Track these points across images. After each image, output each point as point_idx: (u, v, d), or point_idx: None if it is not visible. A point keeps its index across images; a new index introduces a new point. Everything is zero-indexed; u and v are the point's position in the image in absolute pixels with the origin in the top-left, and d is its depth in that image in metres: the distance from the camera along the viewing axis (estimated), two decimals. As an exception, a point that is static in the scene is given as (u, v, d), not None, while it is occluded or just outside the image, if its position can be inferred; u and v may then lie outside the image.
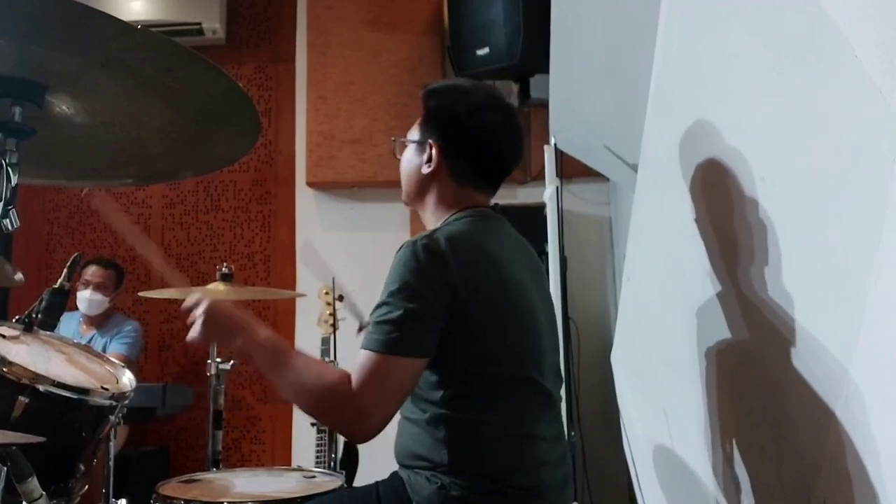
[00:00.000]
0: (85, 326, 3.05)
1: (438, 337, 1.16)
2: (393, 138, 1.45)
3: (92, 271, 3.01)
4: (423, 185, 1.37)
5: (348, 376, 1.13)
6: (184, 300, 1.28)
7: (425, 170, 1.34)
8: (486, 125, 1.35)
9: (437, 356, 1.17)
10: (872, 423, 0.77)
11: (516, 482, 1.18)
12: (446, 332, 1.16)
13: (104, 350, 2.91)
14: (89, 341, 2.94)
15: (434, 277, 1.15)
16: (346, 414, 1.13)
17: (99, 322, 3.06)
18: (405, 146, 1.40)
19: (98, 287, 2.98)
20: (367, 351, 1.13)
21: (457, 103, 1.36)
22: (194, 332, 1.24)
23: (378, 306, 1.16)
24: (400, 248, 1.19)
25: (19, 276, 1.25)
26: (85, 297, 2.96)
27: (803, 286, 0.92)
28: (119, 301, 3.56)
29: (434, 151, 1.33)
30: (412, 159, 1.38)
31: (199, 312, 1.24)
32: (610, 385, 2.10)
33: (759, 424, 1.11)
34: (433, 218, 1.35)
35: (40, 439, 0.98)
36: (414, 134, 1.39)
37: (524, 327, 1.24)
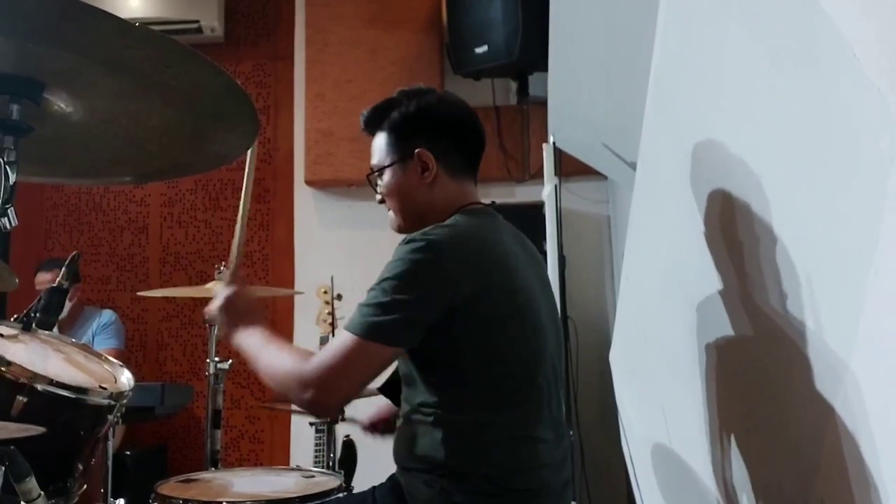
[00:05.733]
0: (63, 329, 3.07)
1: (421, 332, 1.14)
2: (367, 175, 1.38)
3: (40, 280, 3.04)
4: (424, 197, 1.31)
5: (307, 356, 1.16)
6: (180, 299, 1.31)
7: (427, 180, 1.29)
8: (457, 111, 1.37)
9: (439, 356, 1.17)
10: (871, 424, 0.77)
11: (517, 485, 1.17)
12: (449, 331, 1.15)
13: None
14: (70, 339, 2.98)
15: (429, 273, 1.14)
16: (300, 392, 1.14)
17: (73, 320, 3.09)
18: (385, 173, 1.33)
19: None
20: (345, 332, 1.15)
21: (422, 103, 1.33)
22: (214, 305, 1.32)
23: (369, 291, 1.16)
24: (401, 242, 1.17)
25: (14, 281, 1.25)
26: None
27: (801, 286, 0.92)
28: (117, 300, 3.57)
29: (426, 158, 1.29)
30: (405, 179, 1.31)
31: (225, 293, 1.32)
32: (608, 384, 2.10)
33: (758, 425, 1.11)
34: (436, 223, 1.27)
35: (40, 429, 0.98)
36: (389, 156, 1.32)
37: (528, 327, 1.23)
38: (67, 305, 3.02)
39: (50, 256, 3.57)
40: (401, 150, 1.31)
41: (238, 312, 1.31)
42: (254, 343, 1.25)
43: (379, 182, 1.35)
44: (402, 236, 1.22)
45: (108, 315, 3.16)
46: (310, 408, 1.22)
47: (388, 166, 1.33)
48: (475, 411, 1.17)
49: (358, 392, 1.17)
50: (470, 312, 1.15)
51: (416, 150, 1.29)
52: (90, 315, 3.16)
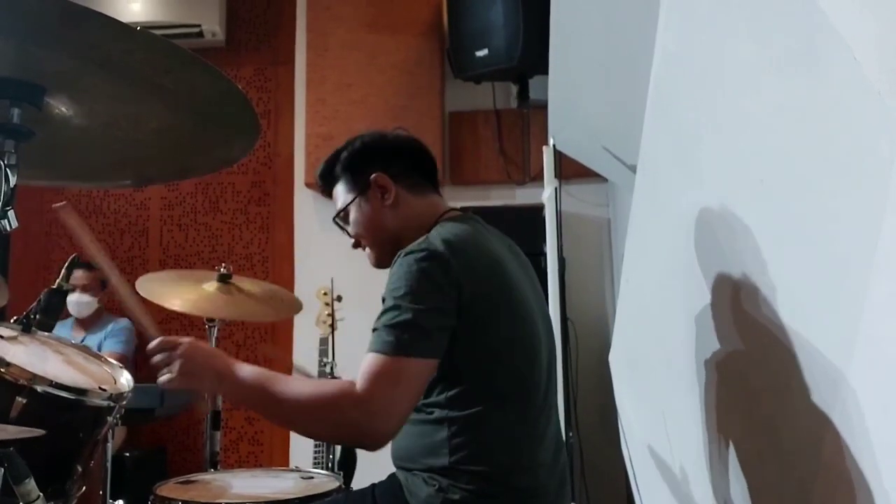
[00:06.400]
0: (76, 330, 3.11)
1: (448, 338, 1.14)
2: (333, 219, 1.40)
3: (77, 275, 3.08)
4: (392, 221, 1.33)
5: (350, 383, 1.09)
6: (179, 306, 1.28)
7: (388, 202, 1.32)
8: (401, 138, 1.40)
9: (442, 358, 1.17)
10: (870, 428, 0.77)
11: (515, 484, 1.18)
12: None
13: (99, 350, 2.94)
14: (82, 342, 2.99)
15: (438, 280, 1.14)
16: (355, 421, 1.07)
17: (90, 323, 3.16)
18: (350, 211, 1.36)
19: (85, 289, 3.08)
20: (376, 354, 1.09)
21: (366, 139, 1.38)
22: (169, 377, 1.16)
23: (384, 312, 1.13)
24: (396, 259, 1.17)
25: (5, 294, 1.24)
26: (73, 301, 3.07)
27: (801, 289, 0.92)
28: (117, 300, 3.57)
29: (383, 181, 1.32)
30: (368, 209, 1.34)
31: (177, 354, 1.16)
32: (608, 386, 2.10)
33: (757, 428, 1.11)
34: (417, 238, 1.26)
35: (40, 432, 0.98)
36: (348, 195, 1.36)
37: (523, 326, 1.24)
38: (94, 305, 3.09)
39: (50, 259, 3.58)
40: (358, 184, 1.35)
41: (201, 370, 1.17)
42: (259, 400, 1.14)
43: (347, 224, 1.39)
44: None
45: (123, 322, 3.21)
46: (370, 441, 1.10)
47: (350, 203, 1.36)
48: (473, 410, 1.17)
49: (409, 413, 1.11)
50: (468, 314, 1.15)
51: (372, 177, 1.33)
52: (108, 320, 3.21)
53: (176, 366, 1.17)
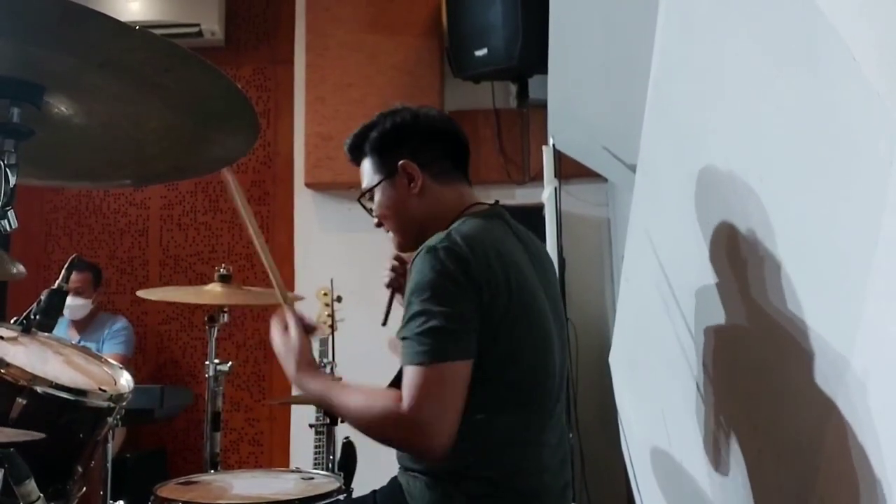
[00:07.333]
0: (71, 332, 3.09)
1: (476, 337, 1.12)
2: (359, 198, 1.39)
3: (69, 278, 3.08)
4: (417, 208, 1.31)
5: (396, 399, 1.09)
6: (180, 302, 1.29)
7: (415, 190, 1.30)
8: (434, 120, 1.37)
9: None
10: (871, 424, 0.77)
11: (519, 487, 1.17)
12: None
13: (99, 352, 2.95)
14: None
15: (461, 278, 1.12)
16: (407, 440, 1.10)
17: (86, 324, 3.14)
18: (375, 193, 1.34)
19: (77, 292, 3.06)
20: (415, 367, 1.08)
21: (398, 119, 1.35)
22: (276, 338, 1.31)
23: (411, 318, 1.12)
24: (417, 254, 1.16)
25: (20, 268, 1.23)
26: (67, 304, 3.05)
27: (801, 287, 0.92)
28: (117, 302, 3.56)
29: (410, 169, 1.30)
30: (393, 194, 1.32)
31: (286, 337, 1.29)
32: (608, 386, 2.10)
33: (757, 426, 1.11)
34: (441, 228, 1.26)
35: (40, 435, 0.98)
36: (374, 176, 1.34)
37: (535, 330, 1.22)
38: (88, 307, 3.08)
39: (50, 259, 3.58)
40: (385, 166, 1.33)
41: (305, 359, 1.28)
42: (326, 387, 1.24)
43: (372, 206, 1.37)
44: None
45: (120, 322, 3.21)
46: (428, 453, 1.11)
47: (375, 185, 1.34)
48: (479, 414, 1.16)
49: (458, 420, 1.10)
50: (484, 316, 1.14)
51: (400, 163, 1.30)
52: (104, 320, 3.20)
53: (278, 342, 1.30)
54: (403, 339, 1.12)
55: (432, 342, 1.08)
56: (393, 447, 1.19)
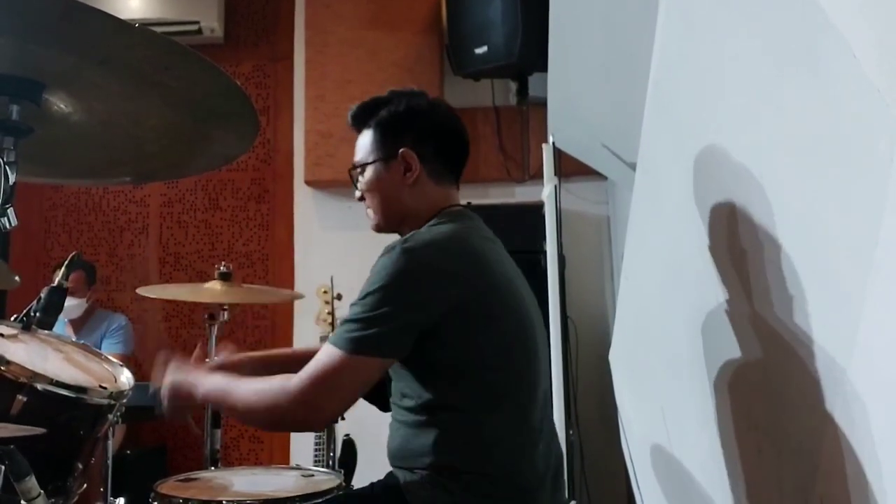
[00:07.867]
0: (70, 330, 3.08)
1: (409, 342, 1.13)
2: (350, 169, 1.35)
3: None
4: (406, 200, 1.30)
5: (291, 375, 1.14)
6: (181, 300, 1.31)
7: (409, 180, 1.28)
8: (446, 118, 1.35)
9: (434, 357, 1.17)
10: (870, 423, 0.77)
11: (514, 483, 1.18)
12: (442, 333, 1.15)
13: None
14: (77, 342, 2.99)
15: (414, 282, 1.13)
16: (291, 403, 1.12)
17: (82, 322, 3.12)
18: (367, 170, 1.31)
19: (70, 291, 3.03)
20: (331, 346, 1.12)
21: (412, 104, 1.31)
22: (168, 412, 1.33)
23: (355, 303, 1.14)
24: (384, 252, 1.16)
25: (16, 278, 1.26)
26: None
27: (801, 286, 0.92)
28: (117, 300, 3.57)
29: (410, 158, 1.28)
30: (387, 177, 1.29)
31: (163, 395, 1.32)
32: (608, 384, 2.10)
33: (757, 424, 1.11)
34: (417, 226, 1.27)
35: (40, 431, 0.98)
36: (373, 153, 1.31)
37: (519, 326, 1.23)
38: (83, 306, 3.07)
39: (49, 257, 3.58)
40: (386, 148, 1.30)
41: (182, 399, 1.31)
42: (219, 383, 1.25)
43: (360, 178, 1.33)
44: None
45: (118, 319, 3.19)
46: (297, 425, 1.22)
47: (370, 163, 1.31)
48: (471, 410, 1.17)
49: (346, 407, 1.15)
50: (461, 315, 1.15)
51: (401, 150, 1.28)
52: (102, 318, 3.19)
53: (171, 378, 1.31)
54: (345, 320, 1.14)
55: (355, 332, 1.11)
56: (273, 420, 1.20)
